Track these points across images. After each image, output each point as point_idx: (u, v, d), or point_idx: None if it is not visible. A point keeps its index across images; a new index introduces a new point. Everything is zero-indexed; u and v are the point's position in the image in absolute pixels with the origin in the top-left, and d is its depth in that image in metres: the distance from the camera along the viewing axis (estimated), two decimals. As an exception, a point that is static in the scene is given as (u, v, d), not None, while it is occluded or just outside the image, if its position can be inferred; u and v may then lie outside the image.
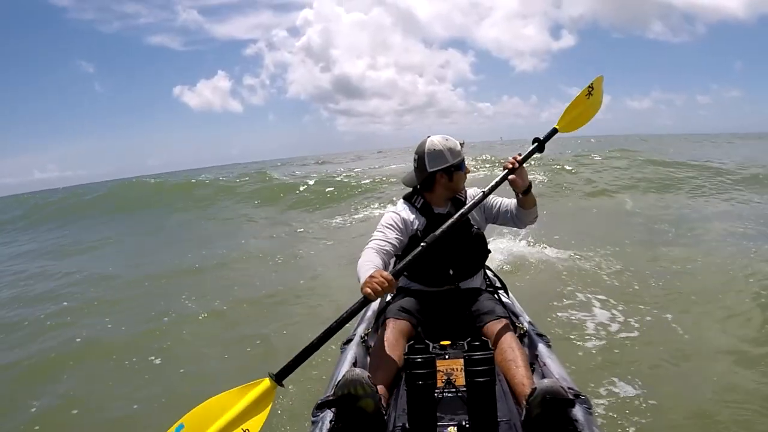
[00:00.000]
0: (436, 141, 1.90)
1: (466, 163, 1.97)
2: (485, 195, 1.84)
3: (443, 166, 1.88)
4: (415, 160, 1.94)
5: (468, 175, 2.00)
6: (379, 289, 1.50)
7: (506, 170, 1.81)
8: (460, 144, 1.93)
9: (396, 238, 1.85)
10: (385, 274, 1.54)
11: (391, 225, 1.88)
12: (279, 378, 1.56)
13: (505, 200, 1.97)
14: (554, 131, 1.94)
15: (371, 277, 1.53)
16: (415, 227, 1.90)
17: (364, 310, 2.25)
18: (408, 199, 2.00)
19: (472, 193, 1.97)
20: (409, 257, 1.66)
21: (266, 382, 1.54)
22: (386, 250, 1.81)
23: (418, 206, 1.95)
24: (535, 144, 1.89)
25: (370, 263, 1.67)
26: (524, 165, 1.81)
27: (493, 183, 1.84)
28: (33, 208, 17.26)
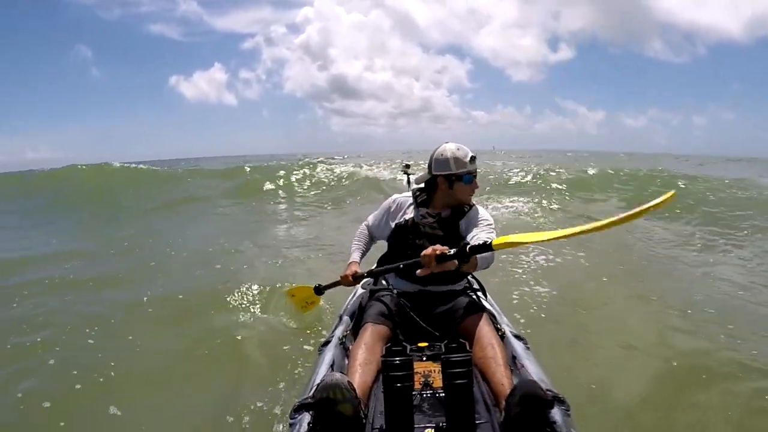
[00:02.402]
0: (447, 148, 2.00)
1: (475, 178, 2.00)
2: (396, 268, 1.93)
3: (445, 173, 1.97)
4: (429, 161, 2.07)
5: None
6: (345, 282, 2.23)
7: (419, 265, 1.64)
8: (472, 157, 1.97)
9: (384, 221, 2.20)
10: (350, 274, 2.18)
11: (385, 209, 2.21)
12: (318, 291, 2.72)
13: (474, 234, 1.89)
14: (490, 247, 1.58)
15: (345, 274, 2.20)
16: (409, 213, 2.06)
17: (341, 312, 2.28)
18: (414, 191, 2.13)
19: (474, 211, 2.01)
20: (382, 269, 2.06)
21: (311, 289, 2.75)
22: (375, 227, 2.26)
23: (419, 201, 2.08)
24: (458, 251, 1.61)
25: (356, 248, 2.29)
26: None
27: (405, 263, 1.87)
28: None
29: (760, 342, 3.04)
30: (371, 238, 2.29)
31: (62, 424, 2.40)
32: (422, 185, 2.10)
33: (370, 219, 2.29)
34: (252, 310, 3.82)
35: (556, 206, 9.16)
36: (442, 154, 1.99)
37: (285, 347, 3.14)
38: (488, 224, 1.96)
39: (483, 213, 2.03)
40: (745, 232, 6.74)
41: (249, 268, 4.89)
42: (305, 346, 3.11)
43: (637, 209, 1.30)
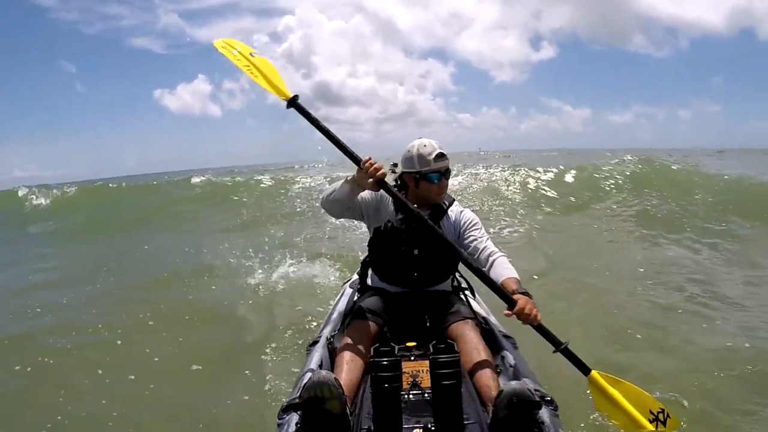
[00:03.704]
0: (415, 144, 1.90)
1: (444, 178, 1.88)
2: (466, 260, 1.77)
3: (410, 170, 1.89)
4: None
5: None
6: (371, 167, 1.68)
7: (511, 301, 1.63)
8: (438, 154, 1.84)
9: (367, 201, 1.90)
10: (377, 166, 1.69)
11: (369, 193, 1.89)
12: (292, 104, 1.86)
13: (478, 245, 1.87)
14: (586, 371, 1.73)
15: (373, 164, 1.69)
16: (386, 218, 1.90)
17: (330, 312, 2.25)
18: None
19: (457, 211, 1.96)
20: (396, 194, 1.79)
21: (285, 94, 1.89)
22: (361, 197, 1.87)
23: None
24: (558, 345, 1.70)
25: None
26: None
27: (493, 285, 1.71)
28: None
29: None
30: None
31: (151, 386, 2.79)
32: (397, 182, 1.99)
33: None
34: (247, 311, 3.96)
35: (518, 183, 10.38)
36: (408, 151, 1.89)
37: (273, 347, 3.17)
38: (481, 231, 1.92)
39: (469, 215, 1.95)
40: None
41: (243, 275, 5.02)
42: (294, 346, 3.12)
43: None
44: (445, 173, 1.89)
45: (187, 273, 5.24)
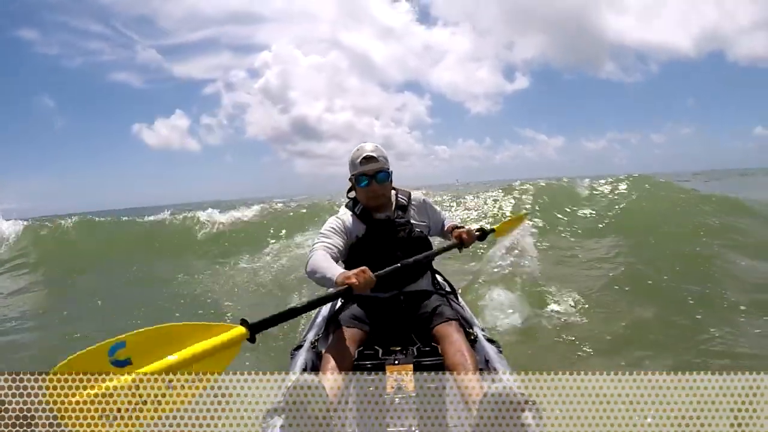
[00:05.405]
0: (355, 148, 1.96)
1: (375, 181, 1.89)
2: (427, 257, 1.94)
3: (351, 174, 1.96)
4: None
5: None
6: (364, 283, 1.57)
7: (456, 242, 2.07)
8: (364, 158, 1.87)
9: (339, 242, 1.87)
10: (370, 274, 1.59)
11: (333, 229, 1.90)
12: (254, 330, 1.35)
13: (439, 221, 2.18)
14: (492, 231, 2.60)
15: (362, 271, 1.58)
16: (355, 234, 1.92)
17: (314, 316, 2.24)
18: (349, 207, 2.01)
19: (419, 202, 2.08)
20: (384, 271, 1.70)
21: (239, 330, 1.30)
22: (332, 253, 1.82)
23: (358, 213, 1.96)
24: (479, 233, 2.32)
25: (331, 263, 1.71)
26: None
27: (442, 248, 2.07)
28: None
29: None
30: (335, 260, 1.85)
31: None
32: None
33: (327, 242, 1.86)
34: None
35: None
36: (350, 156, 1.96)
37: (259, 353, 3.14)
38: (438, 210, 2.19)
39: (429, 202, 2.15)
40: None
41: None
42: (280, 351, 3.10)
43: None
44: (374, 176, 1.88)
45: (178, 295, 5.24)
